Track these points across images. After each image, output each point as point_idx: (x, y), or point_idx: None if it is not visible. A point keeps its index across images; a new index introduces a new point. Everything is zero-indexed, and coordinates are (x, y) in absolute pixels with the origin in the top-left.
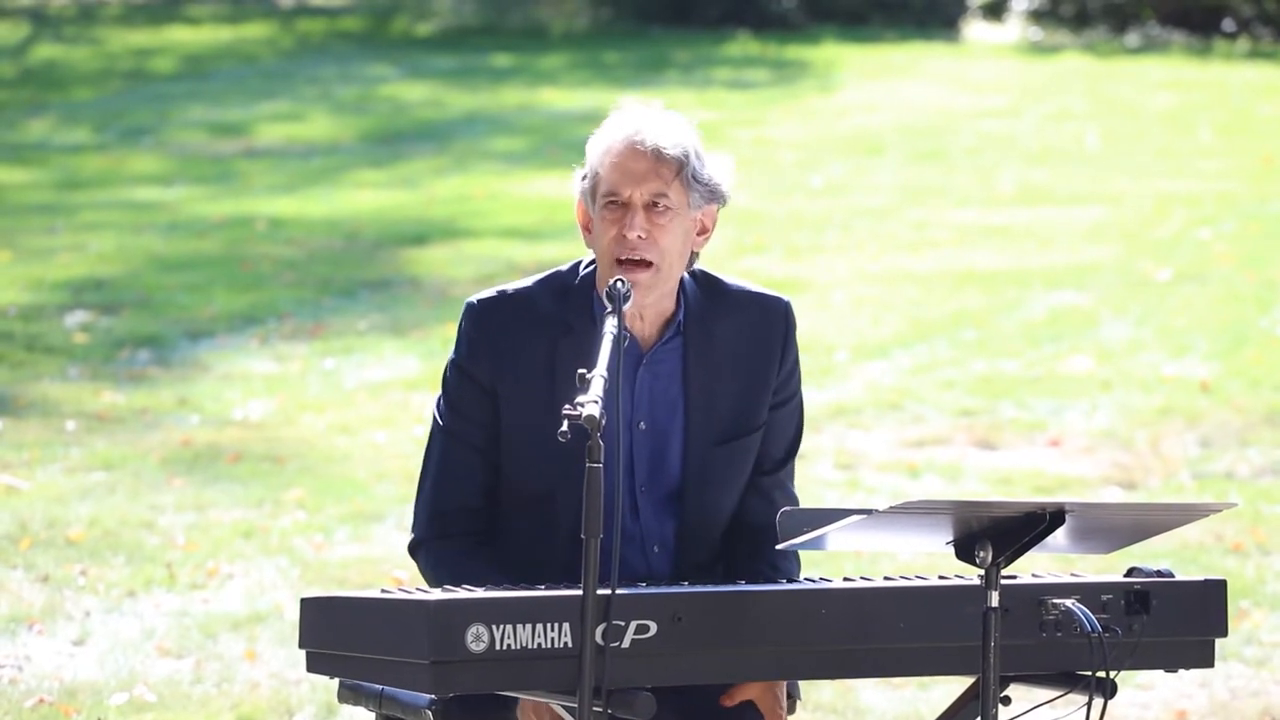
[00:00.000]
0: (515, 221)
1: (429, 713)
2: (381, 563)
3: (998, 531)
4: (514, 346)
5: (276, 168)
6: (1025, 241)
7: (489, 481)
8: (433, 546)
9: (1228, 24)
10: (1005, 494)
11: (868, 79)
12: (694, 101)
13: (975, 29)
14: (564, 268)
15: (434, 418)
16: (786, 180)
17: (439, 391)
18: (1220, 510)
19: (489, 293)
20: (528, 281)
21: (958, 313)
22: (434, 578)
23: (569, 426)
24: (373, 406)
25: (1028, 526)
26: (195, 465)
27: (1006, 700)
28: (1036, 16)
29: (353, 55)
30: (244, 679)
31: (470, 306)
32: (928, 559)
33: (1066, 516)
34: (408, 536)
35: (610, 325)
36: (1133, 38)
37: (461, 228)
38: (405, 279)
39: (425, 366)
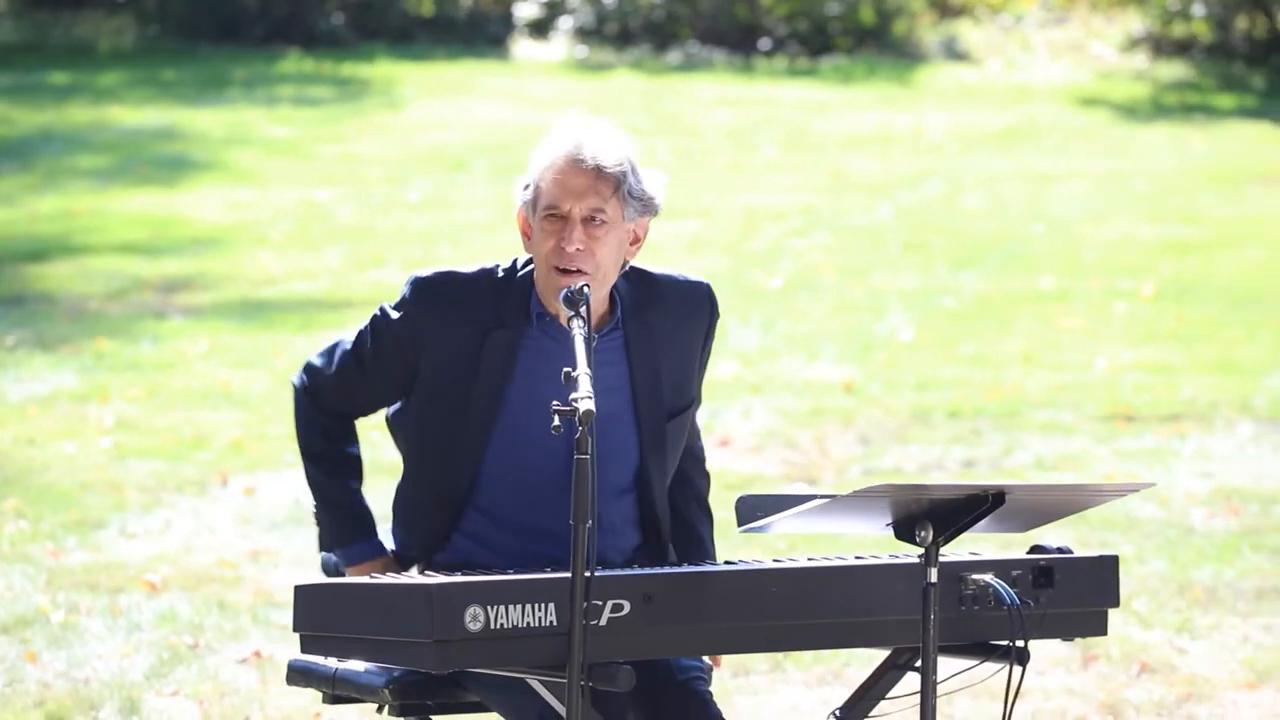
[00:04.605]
0: (128, 237)
1: (386, 691)
2: (126, 567)
3: (938, 513)
4: (448, 326)
5: None
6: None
7: (361, 412)
8: (316, 417)
9: (764, 43)
10: None
11: (428, 96)
12: (265, 119)
13: (522, 47)
14: (503, 263)
15: (356, 336)
16: (382, 196)
17: (365, 322)
18: (1139, 490)
19: (435, 270)
20: (472, 267)
21: None
22: (304, 433)
23: (561, 421)
24: (47, 420)
25: (968, 508)
26: None
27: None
28: (582, 34)
29: None
30: (34, 679)
31: (417, 280)
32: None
33: (1006, 498)
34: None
35: (577, 326)
36: (675, 55)
37: (77, 244)
38: (36, 295)
39: (83, 380)
